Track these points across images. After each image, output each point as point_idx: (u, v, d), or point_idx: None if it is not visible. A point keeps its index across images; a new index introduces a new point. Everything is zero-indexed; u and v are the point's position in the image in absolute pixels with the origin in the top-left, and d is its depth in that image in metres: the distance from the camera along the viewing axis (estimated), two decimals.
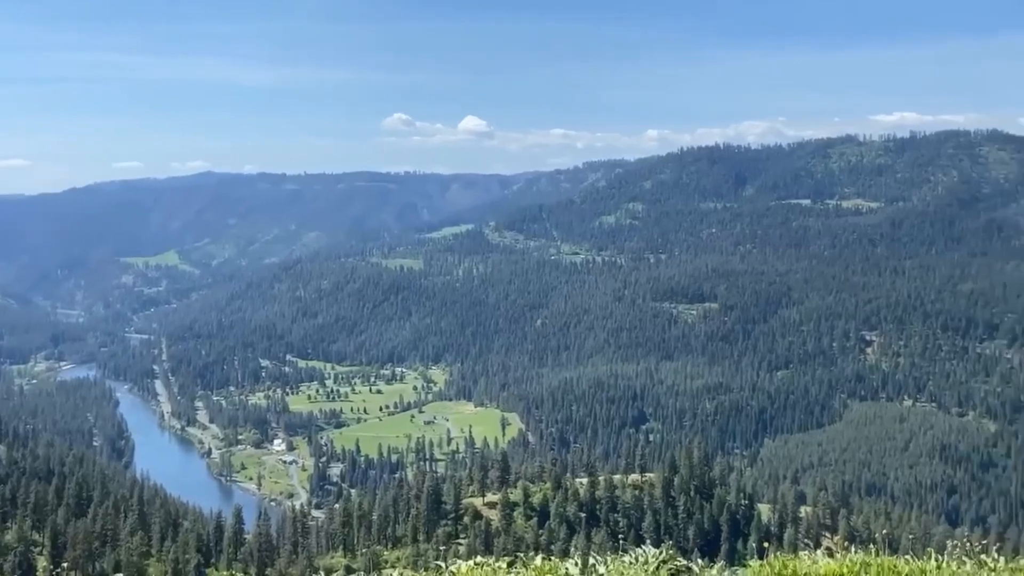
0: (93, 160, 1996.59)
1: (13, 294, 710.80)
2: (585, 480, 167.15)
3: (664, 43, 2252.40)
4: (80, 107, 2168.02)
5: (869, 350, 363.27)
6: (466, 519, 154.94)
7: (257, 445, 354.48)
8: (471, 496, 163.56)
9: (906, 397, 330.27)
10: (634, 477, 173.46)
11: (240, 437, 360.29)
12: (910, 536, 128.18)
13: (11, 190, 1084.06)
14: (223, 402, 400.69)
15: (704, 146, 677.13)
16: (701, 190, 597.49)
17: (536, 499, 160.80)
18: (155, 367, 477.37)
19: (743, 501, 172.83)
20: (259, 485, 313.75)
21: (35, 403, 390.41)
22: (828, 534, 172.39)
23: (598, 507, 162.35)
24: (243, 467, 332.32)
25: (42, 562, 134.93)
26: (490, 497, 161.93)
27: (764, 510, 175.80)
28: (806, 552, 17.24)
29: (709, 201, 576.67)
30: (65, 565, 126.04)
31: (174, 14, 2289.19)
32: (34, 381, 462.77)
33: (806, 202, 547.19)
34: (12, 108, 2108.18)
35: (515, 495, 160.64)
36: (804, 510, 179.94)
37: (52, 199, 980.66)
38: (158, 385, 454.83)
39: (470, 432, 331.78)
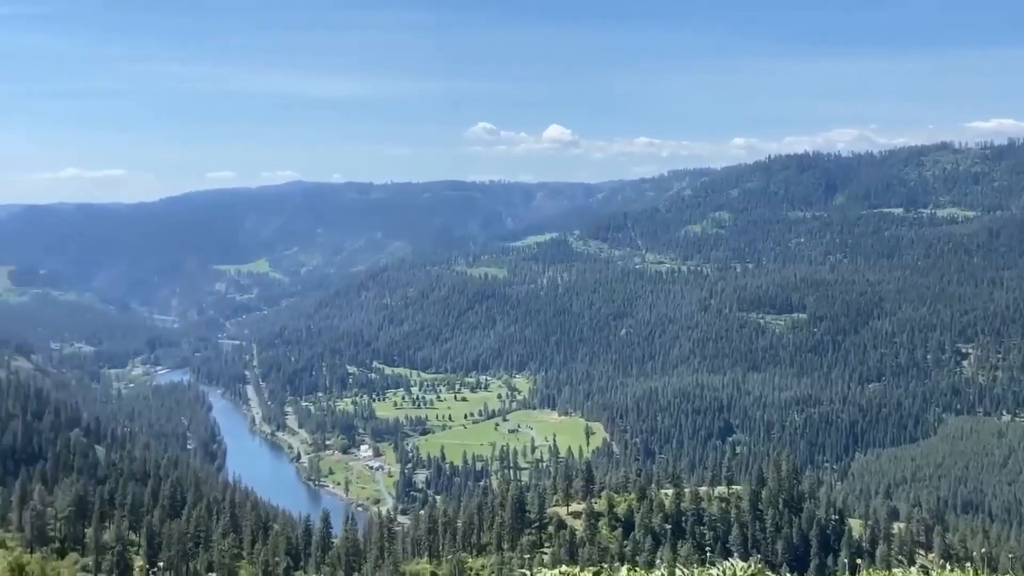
0: (187, 170, 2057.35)
1: (112, 300, 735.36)
2: (670, 491, 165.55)
3: (751, 50, 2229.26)
4: (175, 118, 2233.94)
5: (965, 363, 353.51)
6: (550, 528, 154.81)
7: (344, 450, 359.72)
8: (555, 505, 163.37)
9: (1004, 412, 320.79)
10: (720, 489, 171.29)
11: (328, 442, 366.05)
12: (1010, 555, 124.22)
13: (109, 199, 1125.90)
14: (312, 408, 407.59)
15: (792, 154, 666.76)
16: (789, 199, 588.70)
17: (620, 509, 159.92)
18: (246, 372, 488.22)
19: (833, 516, 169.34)
20: (346, 490, 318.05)
21: (132, 406, 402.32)
22: (923, 552, 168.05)
23: (684, 519, 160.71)
24: (331, 472, 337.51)
25: (138, 561, 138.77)
26: (574, 507, 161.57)
27: (855, 526, 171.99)
28: (900, 570, 17.04)
29: (798, 210, 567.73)
30: (160, 565, 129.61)
31: (263, 27, 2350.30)
32: (131, 385, 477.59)
33: (899, 211, 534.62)
34: (110, 119, 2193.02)
35: (599, 505, 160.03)
36: (897, 526, 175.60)
37: (148, 208, 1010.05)
38: (249, 390, 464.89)
39: (554, 441, 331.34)
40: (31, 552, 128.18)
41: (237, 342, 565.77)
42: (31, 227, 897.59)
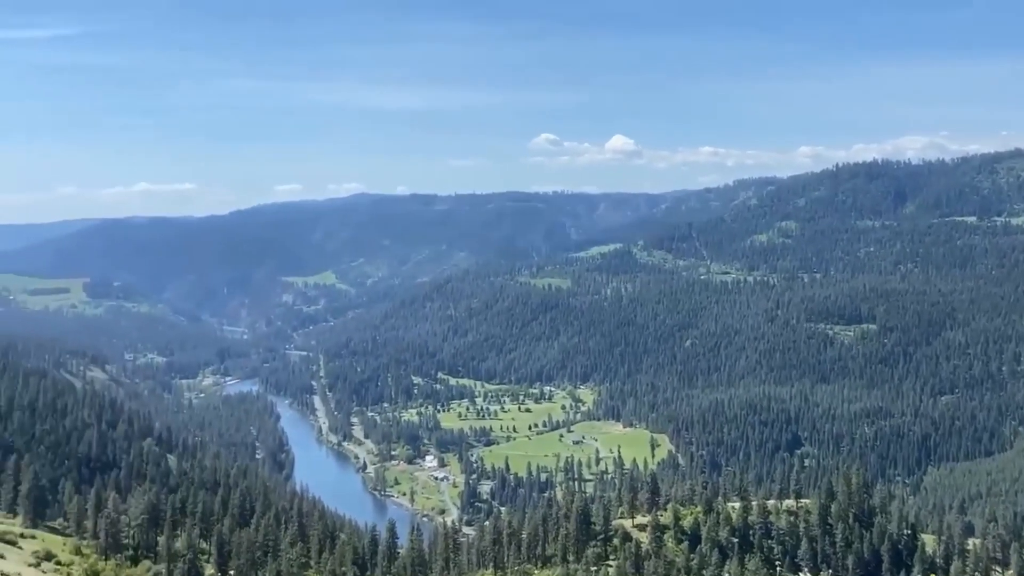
0: (256, 183, 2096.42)
1: (183, 311, 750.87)
2: (737, 504, 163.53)
3: (816, 57, 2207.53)
4: (243, 132, 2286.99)
5: None
6: (615, 541, 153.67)
7: (410, 461, 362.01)
8: (620, 517, 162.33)
9: None
10: (789, 503, 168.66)
11: (394, 453, 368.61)
12: None
13: (181, 212, 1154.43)
14: (377, 418, 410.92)
15: (861, 162, 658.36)
16: (858, 207, 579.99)
17: (687, 522, 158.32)
18: (313, 383, 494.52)
19: (906, 531, 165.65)
20: (412, 500, 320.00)
21: (203, 416, 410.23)
22: (999, 568, 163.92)
23: (751, 533, 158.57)
24: (396, 482, 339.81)
25: (209, 569, 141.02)
26: (639, 519, 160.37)
27: (929, 541, 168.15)
28: None
29: (867, 219, 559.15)
30: (232, 573, 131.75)
31: (329, 41, 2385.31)
32: (202, 395, 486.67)
33: (971, 219, 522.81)
34: (181, 135, 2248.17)
35: (665, 518, 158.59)
36: (972, 542, 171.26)
37: (219, 221, 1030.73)
38: (316, 400, 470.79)
39: (619, 452, 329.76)
40: (106, 559, 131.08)
41: (304, 353, 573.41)
42: (105, 241, 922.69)
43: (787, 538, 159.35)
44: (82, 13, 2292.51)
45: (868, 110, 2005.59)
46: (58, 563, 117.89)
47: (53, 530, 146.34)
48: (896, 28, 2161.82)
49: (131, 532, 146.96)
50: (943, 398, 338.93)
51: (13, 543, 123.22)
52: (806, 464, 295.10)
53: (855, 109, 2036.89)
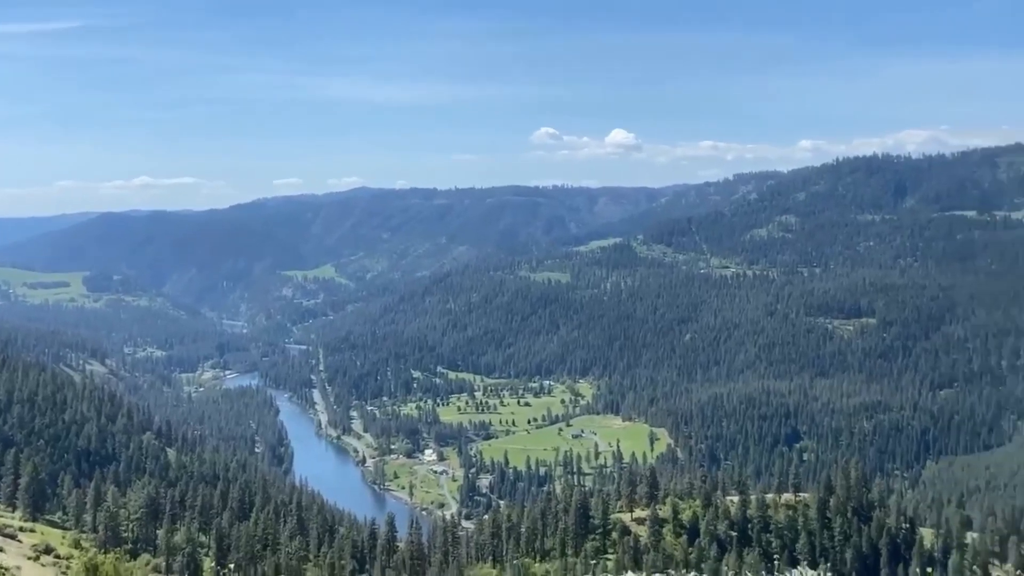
0: (256, 177, 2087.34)
1: (183, 305, 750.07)
2: (736, 498, 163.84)
3: (817, 52, 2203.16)
4: (243, 127, 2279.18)
5: None
6: (614, 534, 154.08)
7: (409, 455, 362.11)
8: (619, 511, 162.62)
9: None
10: (787, 496, 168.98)
11: (393, 447, 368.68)
12: None
13: (180, 207, 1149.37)
14: (377, 412, 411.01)
15: (861, 156, 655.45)
16: (858, 201, 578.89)
17: (685, 516, 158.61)
18: (313, 377, 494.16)
19: (904, 525, 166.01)
20: (411, 494, 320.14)
21: (202, 410, 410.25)
22: (997, 562, 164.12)
23: (750, 526, 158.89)
24: (396, 476, 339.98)
25: (208, 563, 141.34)
26: (638, 513, 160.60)
27: (927, 535, 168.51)
28: None
29: (867, 213, 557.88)
30: (231, 566, 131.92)
31: (327, 36, 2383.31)
32: (201, 389, 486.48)
33: (971, 214, 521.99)
34: (180, 129, 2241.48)
35: (664, 511, 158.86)
36: (970, 536, 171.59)
37: (218, 215, 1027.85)
38: (316, 394, 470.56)
39: (618, 446, 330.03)
40: (105, 552, 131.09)
41: (304, 347, 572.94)
42: (104, 234, 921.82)
43: (786, 532, 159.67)
44: (81, 7, 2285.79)
45: (869, 104, 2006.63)
46: (57, 556, 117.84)
47: (52, 524, 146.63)
48: (897, 23, 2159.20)
49: (130, 526, 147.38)
50: (942, 392, 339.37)
51: (12, 536, 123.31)
52: (805, 458, 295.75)
53: (856, 103, 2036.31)
